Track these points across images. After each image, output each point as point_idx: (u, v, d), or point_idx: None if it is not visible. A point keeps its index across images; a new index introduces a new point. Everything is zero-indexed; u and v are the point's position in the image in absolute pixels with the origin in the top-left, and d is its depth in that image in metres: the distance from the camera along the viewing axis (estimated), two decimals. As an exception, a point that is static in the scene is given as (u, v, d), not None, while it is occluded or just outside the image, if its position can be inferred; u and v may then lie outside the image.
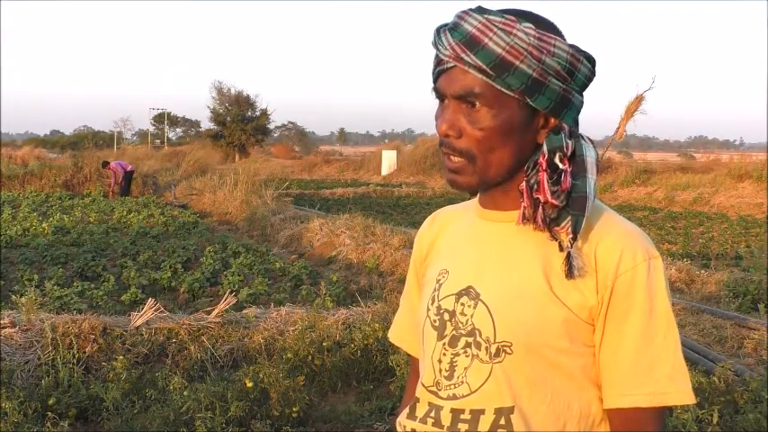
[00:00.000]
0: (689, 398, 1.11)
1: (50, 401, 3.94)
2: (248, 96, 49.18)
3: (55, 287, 6.65)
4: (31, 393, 4.02)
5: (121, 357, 4.48)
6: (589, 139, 1.18)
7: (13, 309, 5.22)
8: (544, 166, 1.13)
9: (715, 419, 3.61)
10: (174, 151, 36.24)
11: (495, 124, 1.13)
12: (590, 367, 1.15)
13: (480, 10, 1.13)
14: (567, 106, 1.15)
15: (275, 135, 60.63)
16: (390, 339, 1.48)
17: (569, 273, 1.11)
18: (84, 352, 4.64)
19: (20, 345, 4.60)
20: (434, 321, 1.23)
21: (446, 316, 1.21)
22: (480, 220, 1.25)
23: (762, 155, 26.17)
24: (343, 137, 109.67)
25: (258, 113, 49.05)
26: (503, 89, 1.11)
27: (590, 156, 1.15)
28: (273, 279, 8.24)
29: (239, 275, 7.88)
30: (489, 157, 1.14)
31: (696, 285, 7.83)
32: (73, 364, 4.48)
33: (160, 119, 63.82)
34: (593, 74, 1.17)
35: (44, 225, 11.53)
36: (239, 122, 47.69)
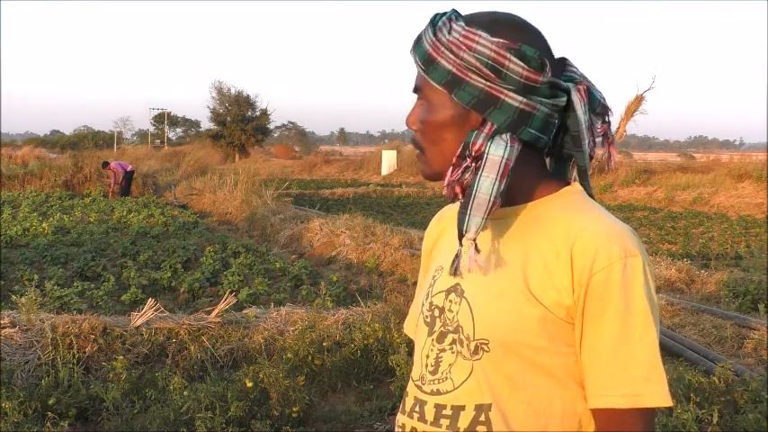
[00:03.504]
0: (665, 400, 1.08)
1: (50, 401, 3.94)
2: (248, 96, 49.22)
3: (55, 287, 6.64)
4: (31, 393, 4.02)
5: (121, 357, 4.48)
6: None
7: (13, 309, 5.22)
8: (454, 160, 1.15)
9: (715, 419, 3.61)
10: (174, 151, 36.27)
11: (434, 118, 1.17)
12: (572, 366, 1.13)
13: (445, 13, 1.17)
14: (494, 105, 1.13)
15: (275, 135, 60.63)
16: (404, 331, 1.49)
17: (451, 271, 1.16)
18: (84, 352, 4.64)
19: (20, 345, 4.60)
20: (426, 317, 1.25)
21: (436, 312, 1.23)
22: None
23: (762, 155, 26.14)
24: (343, 137, 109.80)
25: (258, 113, 49.06)
26: (433, 83, 1.16)
27: (496, 155, 1.12)
28: (273, 279, 8.24)
29: (239, 275, 7.88)
30: (433, 149, 1.19)
31: (696, 285, 7.83)
32: (73, 364, 4.48)
33: (160, 119, 63.82)
34: (534, 74, 1.11)
35: (44, 225, 11.52)
36: (239, 122, 47.69)
